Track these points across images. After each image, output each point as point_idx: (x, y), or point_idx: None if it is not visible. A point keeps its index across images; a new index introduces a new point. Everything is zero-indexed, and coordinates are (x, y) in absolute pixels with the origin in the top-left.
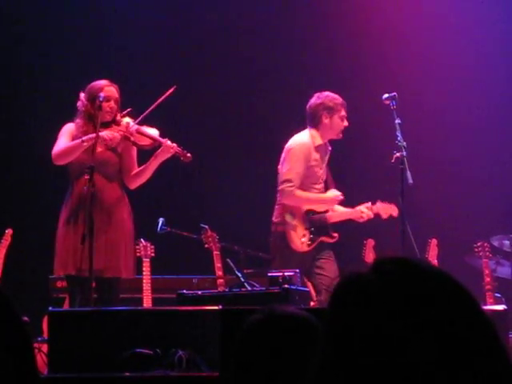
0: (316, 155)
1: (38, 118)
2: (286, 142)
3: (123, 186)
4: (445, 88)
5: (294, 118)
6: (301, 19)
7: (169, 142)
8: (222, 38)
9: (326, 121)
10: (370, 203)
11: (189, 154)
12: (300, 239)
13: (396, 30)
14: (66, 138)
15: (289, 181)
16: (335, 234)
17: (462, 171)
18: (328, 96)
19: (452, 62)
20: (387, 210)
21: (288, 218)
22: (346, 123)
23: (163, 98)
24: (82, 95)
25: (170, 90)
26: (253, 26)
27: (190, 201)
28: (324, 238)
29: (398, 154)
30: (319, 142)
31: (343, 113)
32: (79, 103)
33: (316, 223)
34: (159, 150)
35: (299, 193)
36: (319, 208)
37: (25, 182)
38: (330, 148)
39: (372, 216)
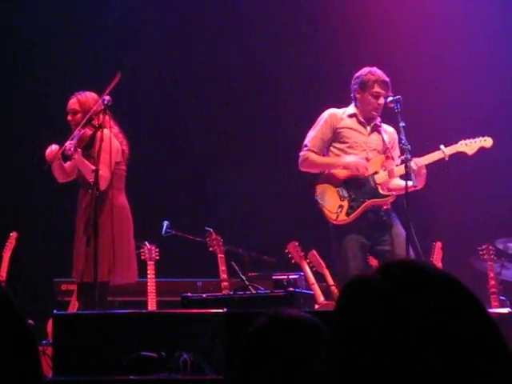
0: (348, 120)
1: (41, 121)
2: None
3: (104, 194)
4: (450, 90)
5: (299, 121)
6: (304, 22)
7: (67, 143)
8: (226, 39)
9: (358, 96)
10: (441, 146)
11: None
12: (335, 212)
13: (402, 32)
14: None
15: (304, 146)
16: (388, 193)
17: (466, 174)
18: (366, 71)
19: (457, 64)
20: (474, 145)
21: (317, 197)
22: (380, 101)
23: (110, 87)
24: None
25: (116, 78)
26: (258, 26)
27: (194, 204)
28: (372, 201)
29: (402, 157)
30: (351, 111)
31: (376, 89)
32: None
33: (359, 188)
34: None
35: (313, 156)
36: (357, 172)
37: (29, 185)
38: (379, 124)
39: (446, 158)
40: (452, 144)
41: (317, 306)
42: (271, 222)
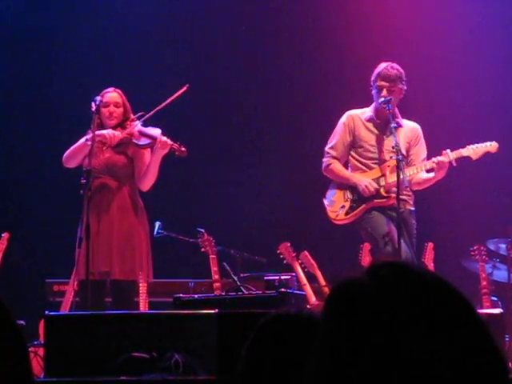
0: (366, 123)
1: (37, 122)
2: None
3: (135, 190)
4: (447, 90)
5: (293, 122)
6: (303, 19)
7: (163, 138)
8: (229, 37)
9: (372, 92)
10: (447, 150)
11: (183, 149)
12: (336, 211)
13: (402, 31)
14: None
15: (326, 153)
16: (388, 194)
17: (457, 174)
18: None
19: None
20: (480, 149)
21: (325, 198)
22: (383, 93)
23: (174, 97)
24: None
25: (183, 89)
26: (259, 25)
27: (186, 205)
28: (372, 202)
29: (394, 158)
30: (368, 114)
31: (379, 83)
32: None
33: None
34: (154, 147)
35: (335, 166)
36: (363, 193)
37: (22, 185)
38: (396, 120)
39: (447, 164)
40: (459, 148)
41: (308, 307)
42: (263, 222)
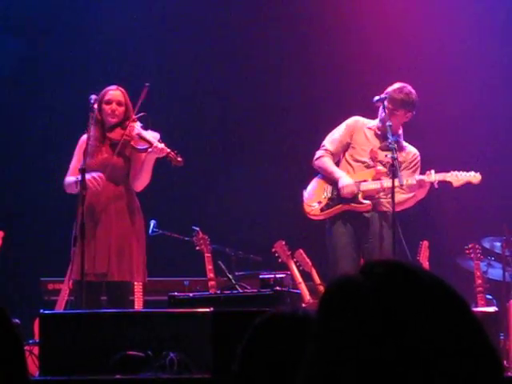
0: (366, 131)
1: (33, 120)
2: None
3: (132, 191)
4: (445, 93)
5: (287, 121)
6: (304, 21)
7: (160, 145)
8: (225, 39)
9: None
10: (430, 171)
11: (180, 159)
12: (311, 205)
13: (405, 32)
14: (74, 161)
15: (322, 145)
16: (365, 201)
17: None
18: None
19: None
20: (462, 178)
21: (304, 190)
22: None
23: (141, 101)
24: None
25: (144, 91)
26: (257, 27)
27: (181, 203)
28: (347, 205)
29: (389, 156)
30: (372, 124)
31: (384, 102)
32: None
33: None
34: (149, 151)
35: (325, 159)
36: (341, 192)
37: (17, 184)
38: (397, 138)
39: (428, 184)
40: (443, 170)
41: (303, 305)
42: (258, 221)
